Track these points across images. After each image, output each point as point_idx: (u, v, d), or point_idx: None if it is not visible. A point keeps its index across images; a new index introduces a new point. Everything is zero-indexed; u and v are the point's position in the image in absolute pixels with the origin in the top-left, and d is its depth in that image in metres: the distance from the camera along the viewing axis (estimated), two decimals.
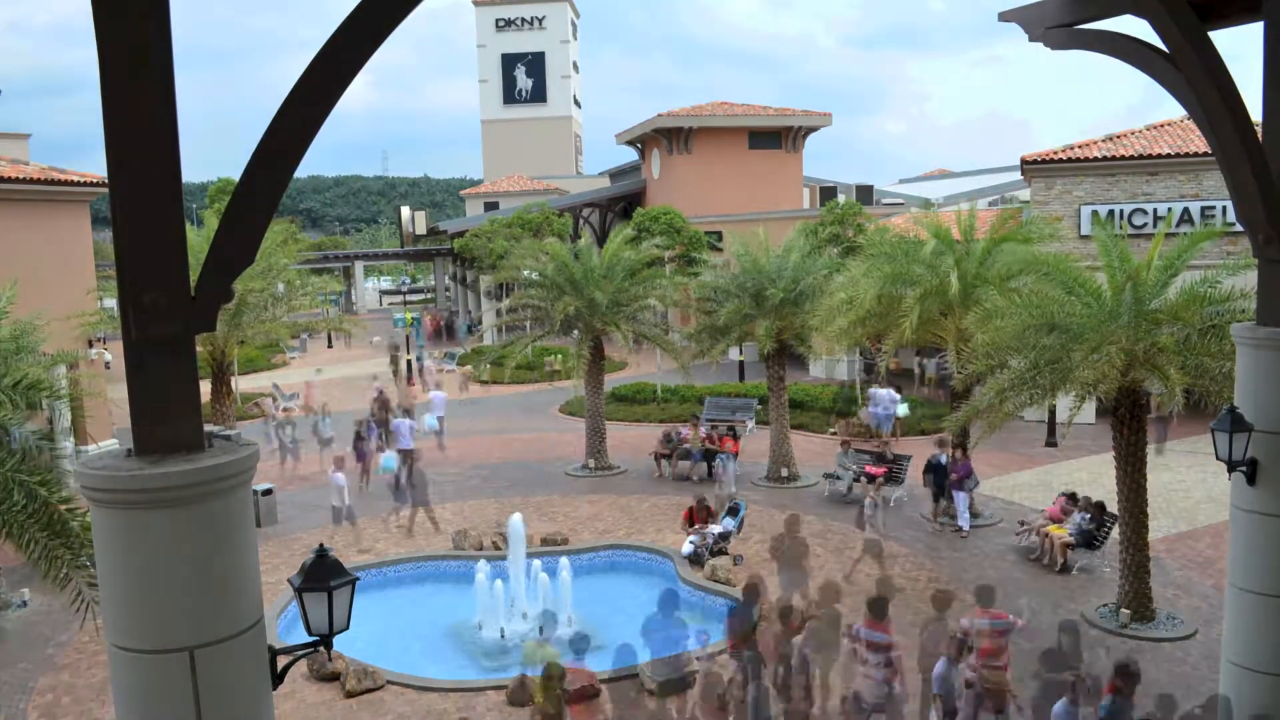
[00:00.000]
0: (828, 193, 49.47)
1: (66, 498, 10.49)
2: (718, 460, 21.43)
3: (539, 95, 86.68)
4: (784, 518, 15.02)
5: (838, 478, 20.28)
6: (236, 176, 5.09)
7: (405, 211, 76.06)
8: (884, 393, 25.31)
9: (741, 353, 34.31)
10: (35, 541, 10.25)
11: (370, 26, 4.76)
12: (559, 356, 36.64)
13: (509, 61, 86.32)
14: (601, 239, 43.60)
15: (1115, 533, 14.50)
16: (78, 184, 22.68)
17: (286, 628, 13.66)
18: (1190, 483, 20.23)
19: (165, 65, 4.42)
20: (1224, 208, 24.85)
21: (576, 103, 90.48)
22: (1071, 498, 16.33)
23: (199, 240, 16.86)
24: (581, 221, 53.95)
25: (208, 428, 4.80)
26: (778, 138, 51.62)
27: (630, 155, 59.26)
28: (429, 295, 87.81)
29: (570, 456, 24.02)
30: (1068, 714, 8.70)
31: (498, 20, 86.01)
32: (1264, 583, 7.48)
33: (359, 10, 4.74)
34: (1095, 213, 24.80)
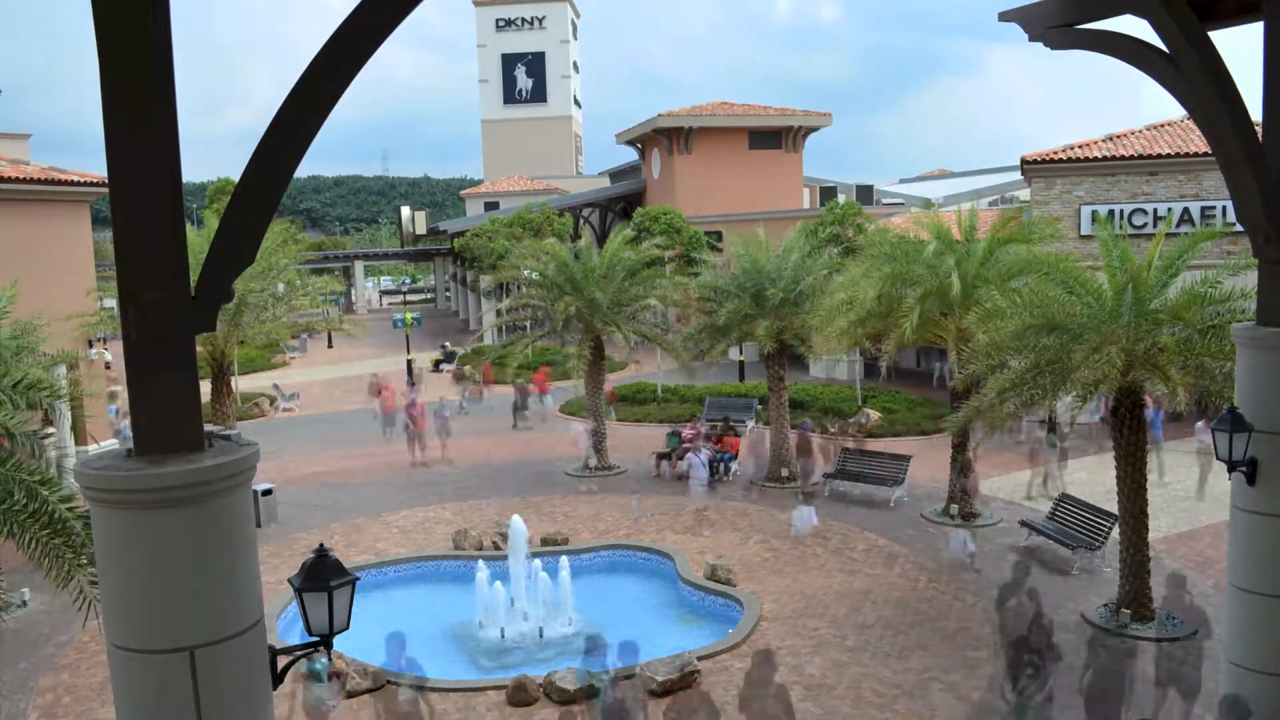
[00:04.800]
0: (828, 193, 49.48)
1: (67, 496, 10.50)
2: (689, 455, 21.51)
3: (539, 95, 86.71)
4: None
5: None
6: (236, 176, 5.08)
7: (405, 211, 76.11)
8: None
9: (741, 353, 34.32)
10: (37, 541, 10.26)
11: (370, 26, 4.76)
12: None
13: (509, 61, 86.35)
14: (601, 239, 43.61)
15: (1115, 533, 14.50)
16: (78, 184, 22.69)
17: (286, 627, 13.67)
18: (1190, 483, 20.22)
19: (165, 65, 4.42)
20: (1224, 208, 24.84)
21: (576, 103, 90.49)
22: None
23: (199, 240, 16.86)
24: (581, 221, 53.94)
25: (208, 428, 4.80)
26: (778, 138, 51.62)
27: (630, 155, 59.27)
28: (429, 295, 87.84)
29: (570, 456, 24.03)
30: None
31: (498, 20, 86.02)
32: (1264, 583, 7.48)
33: (359, 10, 4.73)
34: (1095, 213, 24.78)
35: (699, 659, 12.34)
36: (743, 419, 26.70)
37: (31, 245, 21.26)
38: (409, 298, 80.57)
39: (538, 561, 15.06)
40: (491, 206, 61.42)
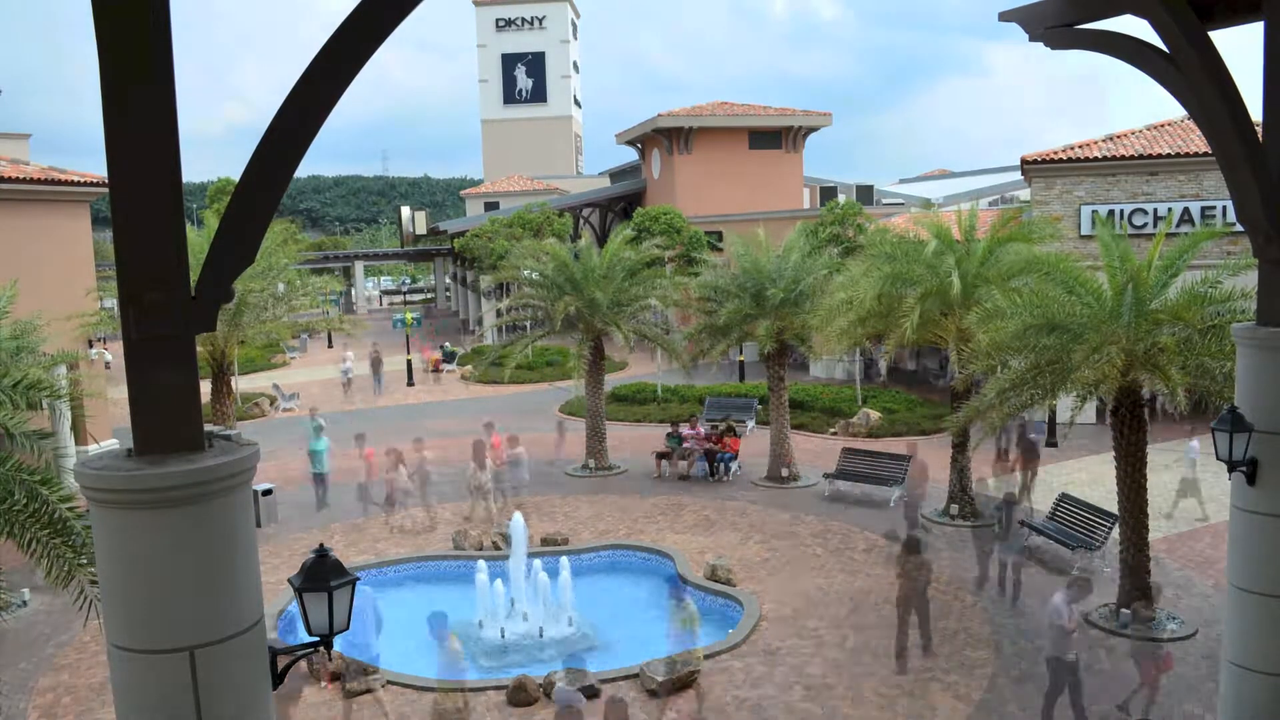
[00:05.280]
0: (828, 193, 49.51)
1: (67, 496, 10.49)
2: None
3: (539, 95, 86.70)
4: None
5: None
6: (236, 176, 5.08)
7: (405, 211, 76.12)
8: None
9: (741, 353, 34.31)
10: (37, 541, 10.25)
11: (370, 26, 4.75)
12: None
13: (509, 61, 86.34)
14: (602, 239, 43.61)
15: (1115, 533, 14.50)
16: (78, 184, 22.70)
17: (286, 627, 13.67)
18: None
19: (165, 65, 4.42)
20: (1224, 208, 24.84)
21: (576, 102, 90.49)
22: None
23: (199, 240, 16.86)
24: (581, 221, 53.93)
25: (208, 428, 4.80)
26: (778, 138, 51.60)
27: (630, 155, 59.25)
28: (429, 295, 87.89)
29: (570, 456, 24.02)
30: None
31: (498, 20, 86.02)
32: (1264, 583, 7.47)
33: (359, 10, 4.73)
34: (1095, 213, 24.79)
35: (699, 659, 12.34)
36: (743, 419, 26.71)
37: (31, 245, 21.26)
38: (409, 298, 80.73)
39: (538, 561, 15.06)
40: (491, 206, 61.40)
